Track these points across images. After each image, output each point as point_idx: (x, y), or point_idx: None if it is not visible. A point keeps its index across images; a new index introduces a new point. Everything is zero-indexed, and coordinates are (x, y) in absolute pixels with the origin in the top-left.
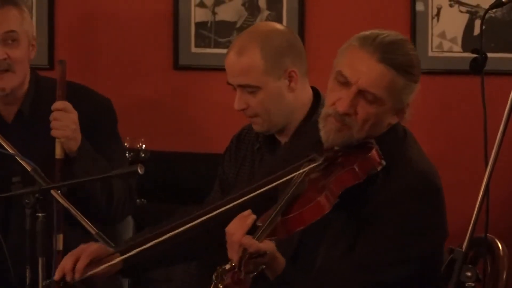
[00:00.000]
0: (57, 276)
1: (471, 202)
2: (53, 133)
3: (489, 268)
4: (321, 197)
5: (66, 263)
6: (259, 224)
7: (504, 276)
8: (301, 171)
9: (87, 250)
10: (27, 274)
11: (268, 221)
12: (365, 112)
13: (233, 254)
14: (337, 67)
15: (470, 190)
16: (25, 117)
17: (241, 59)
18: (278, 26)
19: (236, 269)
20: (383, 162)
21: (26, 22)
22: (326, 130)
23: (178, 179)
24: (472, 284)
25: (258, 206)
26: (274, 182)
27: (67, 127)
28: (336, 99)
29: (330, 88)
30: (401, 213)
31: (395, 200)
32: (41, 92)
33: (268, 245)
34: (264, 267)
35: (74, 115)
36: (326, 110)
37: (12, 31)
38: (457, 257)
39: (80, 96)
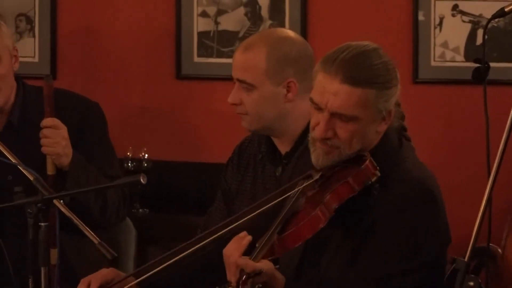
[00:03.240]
0: None
1: (474, 211)
2: (44, 150)
3: (491, 278)
4: (315, 212)
5: None
6: (257, 245)
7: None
8: (296, 189)
9: (98, 274)
10: (30, 284)
11: (265, 241)
12: (344, 131)
13: (231, 275)
14: (310, 93)
15: (473, 199)
16: (15, 127)
17: (246, 55)
18: (294, 36)
19: None
20: (378, 173)
21: (6, 36)
22: (315, 155)
23: (181, 189)
24: None
25: (260, 224)
26: (272, 201)
27: (57, 143)
28: (315, 124)
29: (311, 112)
30: (400, 224)
31: (393, 210)
32: (28, 101)
33: (264, 264)
34: (261, 285)
35: (64, 131)
36: (310, 134)
37: None
38: (460, 267)
39: (67, 102)
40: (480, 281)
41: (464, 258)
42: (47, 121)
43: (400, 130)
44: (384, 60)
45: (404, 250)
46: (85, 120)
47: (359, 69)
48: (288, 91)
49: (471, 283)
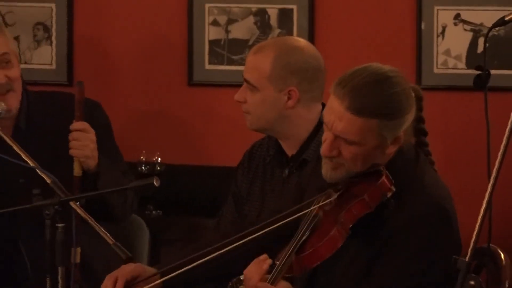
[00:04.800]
0: None
1: (474, 213)
2: (72, 152)
3: (492, 277)
4: (333, 232)
5: (105, 285)
6: (276, 262)
7: (507, 285)
8: (314, 206)
9: (123, 270)
10: (47, 283)
11: (284, 261)
12: (348, 152)
13: None
14: (324, 111)
15: (473, 202)
16: (22, 131)
17: (255, 56)
18: (306, 47)
19: None
20: (393, 188)
21: (11, 42)
22: (324, 170)
23: (192, 191)
24: None
25: (279, 236)
26: (291, 216)
27: (86, 146)
28: (324, 140)
29: (324, 128)
30: (414, 240)
31: (408, 227)
32: (32, 105)
33: (282, 285)
34: None
35: (92, 134)
36: (321, 150)
37: (5, 53)
38: (461, 267)
39: (69, 103)
40: (480, 280)
41: (466, 258)
42: (77, 125)
43: (418, 146)
44: (396, 91)
45: (417, 266)
46: (91, 119)
47: (365, 99)
48: (288, 99)
49: (472, 282)
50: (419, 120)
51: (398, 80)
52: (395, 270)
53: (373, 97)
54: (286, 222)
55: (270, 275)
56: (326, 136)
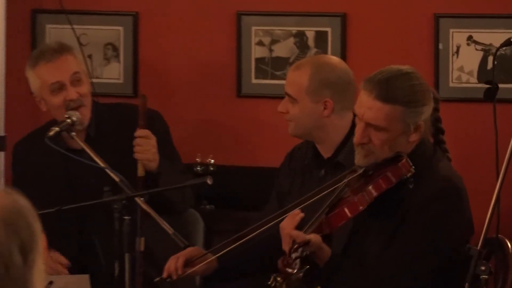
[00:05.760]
0: (165, 274)
1: (484, 209)
2: (137, 155)
3: (499, 264)
4: (357, 197)
5: (170, 264)
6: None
7: None
8: (345, 180)
9: (185, 252)
10: (116, 268)
11: (314, 219)
12: (377, 138)
13: (285, 245)
14: (355, 106)
15: (483, 199)
16: (92, 138)
17: (294, 72)
18: (338, 63)
19: (287, 255)
20: (412, 170)
21: (81, 62)
22: (357, 157)
23: (240, 188)
24: (486, 276)
25: (312, 208)
26: (324, 191)
27: (148, 151)
28: (356, 131)
29: (356, 121)
30: (429, 213)
31: (424, 202)
32: (100, 115)
33: (313, 237)
34: (308, 252)
35: (153, 140)
36: (354, 140)
37: (76, 72)
38: (473, 254)
39: (133, 113)
40: (490, 266)
41: (477, 247)
42: (140, 132)
43: (436, 143)
44: (415, 83)
45: (431, 235)
46: (152, 127)
47: (390, 89)
48: (324, 108)
49: (483, 268)
50: (436, 119)
51: (416, 76)
52: (414, 239)
53: (397, 87)
54: (320, 196)
55: (302, 229)
56: (358, 126)
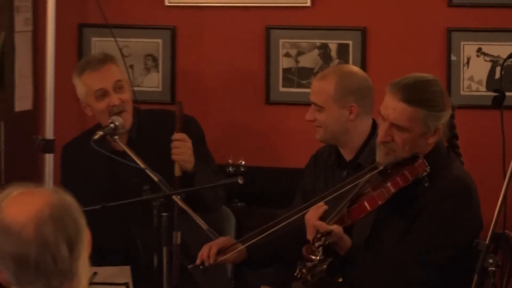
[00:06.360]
0: (198, 262)
1: (492, 207)
2: (174, 157)
3: (506, 257)
4: (376, 193)
5: (203, 252)
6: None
7: None
8: (365, 177)
9: (217, 241)
10: (155, 260)
11: (337, 211)
12: (399, 138)
13: (309, 234)
14: (380, 107)
15: (491, 198)
16: (134, 141)
17: (320, 83)
18: (358, 72)
19: (311, 244)
20: (428, 169)
21: (123, 71)
22: (378, 155)
23: (269, 187)
24: (493, 268)
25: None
26: (346, 186)
27: (184, 153)
28: (379, 131)
29: (380, 122)
30: (442, 209)
31: (437, 199)
32: (141, 120)
33: (335, 227)
34: (330, 241)
35: (189, 143)
36: (376, 140)
37: (118, 80)
38: (482, 248)
39: (171, 118)
40: (497, 259)
41: (486, 241)
42: (177, 135)
43: (450, 146)
44: (436, 90)
45: (443, 229)
46: (188, 131)
47: (415, 93)
48: (350, 113)
49: (491, 260)
50: (452, 125)
51: (438, 83)
52: (427, 232)
53: (422, 92)
54: (342, 191)
55: (325, 220)
56: (382, 126)
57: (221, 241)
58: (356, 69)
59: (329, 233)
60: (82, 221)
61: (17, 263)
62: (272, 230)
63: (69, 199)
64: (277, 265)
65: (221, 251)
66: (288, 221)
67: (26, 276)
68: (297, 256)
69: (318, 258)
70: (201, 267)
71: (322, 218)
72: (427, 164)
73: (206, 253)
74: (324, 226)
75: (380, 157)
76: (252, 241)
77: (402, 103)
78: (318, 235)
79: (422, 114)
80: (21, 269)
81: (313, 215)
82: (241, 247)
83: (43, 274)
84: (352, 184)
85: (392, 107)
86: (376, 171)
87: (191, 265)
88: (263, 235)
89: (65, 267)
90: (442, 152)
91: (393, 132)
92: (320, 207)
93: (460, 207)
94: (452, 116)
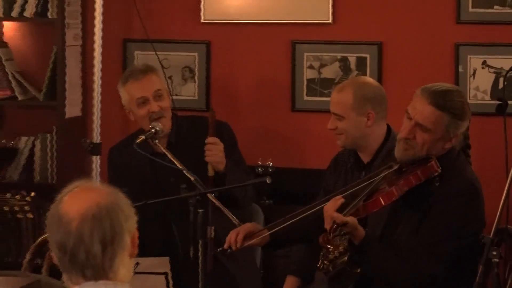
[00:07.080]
0: (226, 246)
1: (495, 204)
2: (207, 159)
3: (509, 250)
4: (391, 189)
5: (230, 237)
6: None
7: None
8: (382, 175)
9: (244, 227)
10: (191, 252)
11: (353, 204)
12: (421, 137)
13: (326, 224)
14: (408, 107)
15: (494, 196)
16: (173, 145)
17: (339, 94)
18: (373, 82)
19: (327, 233)
20: (439, 170)
21: (163, 81)
22: (397, 150)
23: (294, 187)
24: (497, 260)
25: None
26: (363, 183)
27: (216, 155)
28: (403, 128)
29: (403, 121)
30: (451, 207)
31: (449, 197)
32: (179, 126)
33: (350, 219)
34: (345, 231)
35: (221, 146)
36: (398, 136)
37: (158, 89)
38: (486, 242)
39: (205, 124)
40: (501, 251)
41: (490, 235)
42: (210, 139)
43: (462, 151)
44: (463, 100)
45: (452, 225)
46: (221, 135)
47: (445, 99)
48: (368, 119)
49: (495, 253)
50: (466, 136)
51: (463, 94)
52: (437, 227)
53: (451, 99)
54: (360, 187)
55: (342, 212)
56: (406, 124)
57: (247, 227)
58: (369, 79)
59: (344, 224)
60: (125, 225)
61: (59, 250)
62: (295, 219)
63: (121, 203)
64: (296, 245)
65: (247, 237)
66: (309, 212)
67: (65, 262)
68: (313, 239)
69: (332, 247)
70: (228, 251)
71: (339, 210)
72: (438, 165)
73: (234, 238)
74: (340, 217)
75: (399, 151)
76: (276, 229)
77: (431, 106)
78: (335, 226)
79: (447, 119)
80: (62, 255)
81: (331, 207)
82: (266, 234)
83: (77, 264)
84: (369, 181)
85: (420, 108)
86: (392, 169)
87: (219, 249)
88: (287, 223)
89: (96, 262)
90: (453, 155)
91: (416, 131)
92: (338, 200)
93: (469, 205)
94: (467, 128)
